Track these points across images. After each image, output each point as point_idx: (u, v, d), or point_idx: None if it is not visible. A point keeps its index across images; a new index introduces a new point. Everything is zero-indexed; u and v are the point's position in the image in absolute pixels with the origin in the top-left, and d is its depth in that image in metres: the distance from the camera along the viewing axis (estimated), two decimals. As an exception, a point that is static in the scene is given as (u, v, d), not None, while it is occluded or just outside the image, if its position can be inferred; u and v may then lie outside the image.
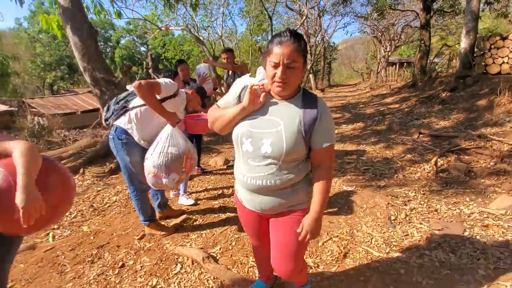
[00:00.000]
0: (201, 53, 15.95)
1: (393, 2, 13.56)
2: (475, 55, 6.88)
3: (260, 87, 1.18)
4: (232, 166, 4.25)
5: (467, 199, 2.71)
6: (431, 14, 11.68)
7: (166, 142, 1.97)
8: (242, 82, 1.26)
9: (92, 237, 2.59)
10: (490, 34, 7.61)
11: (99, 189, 3.70)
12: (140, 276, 2.02)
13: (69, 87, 27.34)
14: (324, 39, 23.61)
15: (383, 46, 23.86)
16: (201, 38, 11.04)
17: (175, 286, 1.90)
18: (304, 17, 13.76)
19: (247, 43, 18.58)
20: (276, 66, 1.09)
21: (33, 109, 14.95)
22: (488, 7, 11.11)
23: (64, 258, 2.27)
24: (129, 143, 2.12)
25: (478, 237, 2.12)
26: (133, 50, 33.38)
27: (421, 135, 4.71)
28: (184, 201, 3.07)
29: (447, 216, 2.46)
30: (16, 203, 1.00)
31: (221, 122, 1.27)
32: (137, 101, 2.16)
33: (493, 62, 6.51)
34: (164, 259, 2.18)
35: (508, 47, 6.30)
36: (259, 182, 1.21)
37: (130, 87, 2.29)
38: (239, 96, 1.25)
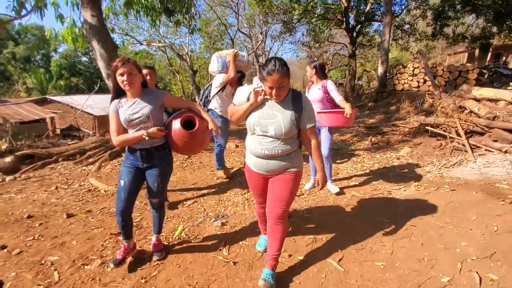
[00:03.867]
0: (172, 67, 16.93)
1: (328, 36, 17.09)
2: (387, 77, 10.02)
3: (261, 89, 1.71)
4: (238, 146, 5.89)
5: (389, 152, 5.01)
6: (356, 47, 15.33)
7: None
8: (249, 88, 1.77)
9: (183, 180, 4.03)
10: (396, 63, 11.04)
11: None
12: (238, 189, 3.62)
13: (-3, 96, 24.53)
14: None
15: (318, 69, 28.23)
16: (180, 54, 12.32)
17: (258, 189, 3.56)
18: (260, 42, 16.24)
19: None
20: (271, 88, 1.62)
21: (-29, 118, 13.82)
22: (394, 42, 15.25)
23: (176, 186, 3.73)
24: (216, 117, 3.72)
25: (395, 163, 4.35)
26: (73, 60, 31.58)
27: (359, 127, 7.16)
28: (332, 188, 3.36)
29: (380, 158, 4.69)
30: (207, 131, 2.00)
31: (237, 115, 1.80)
32: (213, 91, 3.77)
33: (398, 83, 9.70)
34: (243, 182, 3.81)
35: (407, 73, 9.52)
36: (266, 152, 1.73)
37: None
38: (248, 97, 1.76)
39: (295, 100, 1.71)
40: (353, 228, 2.53)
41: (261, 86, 1.73)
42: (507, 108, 4.37)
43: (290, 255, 2.18)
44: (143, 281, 1.99)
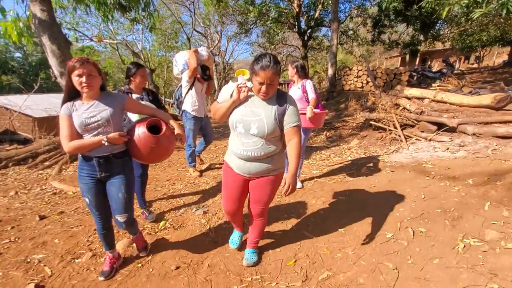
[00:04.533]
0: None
1: (282, 38, 17.98)
2: (336, 78, 11.04)
3: (244, 86, 1.66)
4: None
5: (341, 144, 5.71)
6: (307, 49, 16.41)
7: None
8: (233, 86, 1.71)
9: (155, 178, 4.14)
10: (343, 66, 12.19)
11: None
12: (212, 182, 3.87)
13: None
14: (224, 59, 27.16)
15: (273, 69, 29.32)
16: (136, 51, 11.83)
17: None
18: (217, 42, 16.38)
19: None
20: (261, 83, 1.57)
21: None
22: (340, 46, 16.68)
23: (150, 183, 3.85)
24: (189, 118, 3.84)
25: (347, 153, 5.02)
26: (5, 56, 27.53)
27: (315, 124, 7.89)
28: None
29: (335, 149, 5.34)
30: (173, 137, 1.90)
31: (220, 113, 1.74)
32: (184, 92, 3.96)
33: (346, 83, 10.77)
34: (215, 176, 4.07)
35: (352, 74, 10.62)
36: (249, 153, 1.69)
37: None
38: (231, 95, 1.70)
39: (279, 99, 1.67)
40: (318, 206, 3.00)
41: (244, 83, 1.68)
42: (430, 104, 5.35)
43: (268, 231, 2.54)
44: (139, 265, 2.17)
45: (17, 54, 28.78)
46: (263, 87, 1.58)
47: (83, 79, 1.62)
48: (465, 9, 5.49)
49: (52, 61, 5.98)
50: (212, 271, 2.05)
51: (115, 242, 2.14)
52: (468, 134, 4.11)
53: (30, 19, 5.84)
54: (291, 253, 2.22)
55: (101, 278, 1.99)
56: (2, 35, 5.87)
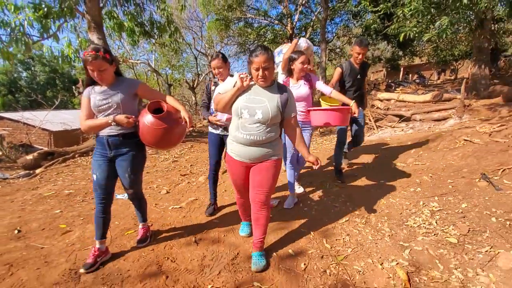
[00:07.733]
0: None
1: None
2: (326, 89, 12.99)
3: (245, 75, 1.81)
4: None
5: (331, 136, 7.48)
6: (300, 65, 18.46)
7: None
8: (234, 78, 1.85)
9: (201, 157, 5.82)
10: (331, 78, 14.24)
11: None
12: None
13: None
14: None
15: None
16: (156, 69, 13.66)
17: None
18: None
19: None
20: (257, 69, 1.74)
21: None
22: (330, 62, 18.87)
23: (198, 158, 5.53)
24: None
25: (334, 140, 6.81)
26: (14, 75, 29.17)
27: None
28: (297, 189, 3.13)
29: (326, 138, 7.11)
30: (183, 120, 1.89)
31: (223, 102, 1.84)
32: None
33: (334, 93, 12.74)
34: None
35: (339, 86, 12.59)
36: (251, 137, 1.80)
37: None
38: (234, 85, 1.83)
39: (280, 89, 1.85)
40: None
41: (245, 73, 1.82)
42: (395, 103, 7.23)
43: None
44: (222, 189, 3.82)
45: (24, 74, 30.45)
46: (260, 72, 1.74)
47: (95, 74, 1.77)
48: (417, 34, 7.48)
49: (107, 77, 7.66)
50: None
51: (108, 231, 2.08)
52: (417, 120, 5.95)
53: (81, 44, 7.56)
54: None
55: (82, 270, 1.88)
56: (58, 56, 7.45)
